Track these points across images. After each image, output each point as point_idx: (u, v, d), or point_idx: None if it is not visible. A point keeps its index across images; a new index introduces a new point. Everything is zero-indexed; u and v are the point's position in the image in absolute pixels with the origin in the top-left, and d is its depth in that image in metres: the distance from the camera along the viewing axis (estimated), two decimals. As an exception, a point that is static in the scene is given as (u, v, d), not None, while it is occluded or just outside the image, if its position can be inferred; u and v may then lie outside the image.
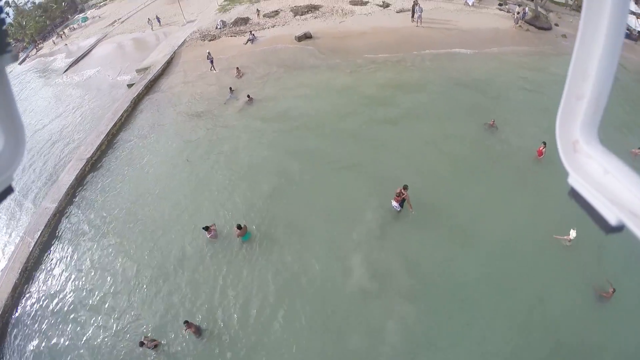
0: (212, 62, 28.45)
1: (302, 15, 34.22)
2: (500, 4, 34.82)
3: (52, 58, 54.89)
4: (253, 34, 32.25)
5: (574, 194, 0.65)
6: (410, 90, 22.33)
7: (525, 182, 15.01)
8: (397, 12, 33.53)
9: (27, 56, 67.30)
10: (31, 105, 36.94)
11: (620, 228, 0.56)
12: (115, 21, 58.17)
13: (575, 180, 0.65)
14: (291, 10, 35.46)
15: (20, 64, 62.67)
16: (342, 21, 32.56)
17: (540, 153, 15.31)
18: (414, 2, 31.29)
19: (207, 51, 28.40)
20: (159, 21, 44.30)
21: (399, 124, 19.08)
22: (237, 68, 27.40)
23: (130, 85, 31.04)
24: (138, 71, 33.20)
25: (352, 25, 31.86)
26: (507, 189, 14.81)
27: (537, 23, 30.88)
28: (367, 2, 35.75)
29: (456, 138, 17.61)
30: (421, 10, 30.01)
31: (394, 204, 13.44)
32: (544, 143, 15.21)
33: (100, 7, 78.70)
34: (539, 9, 32.69)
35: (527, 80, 22.10)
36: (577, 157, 0.67)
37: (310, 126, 19.94)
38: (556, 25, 31.49)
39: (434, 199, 14.40)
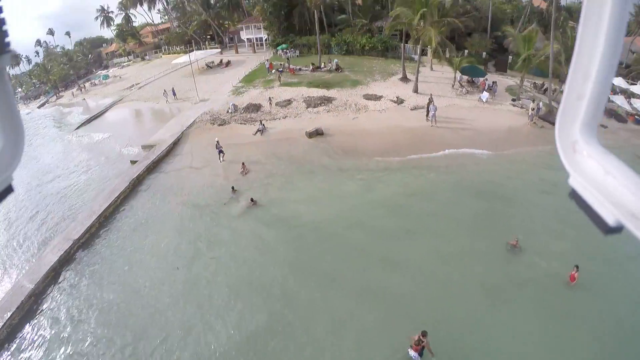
0: (220, 152, 27.10)
1: (314, 107, 33.31)
2: (513, 99, 34.20)
3: (68, 110, 56.82)
4: (263, 124, 31.19)
5: (574, 195, 0.64)
6: (424, 198, 20.73)
7: (557, 312, 12.88)
8: (411, 109, 32.45)
9: (47, 101, 69.54)
10: (38, 155, 37.13)
11: (619, 229, 0.56)
12: (133, 85, 58.98)
13: (575, 181, 0.65)
14: (304, 101, 34.63)
15: (39, 107, 65.40)
16: (355, 117, 31.50)
17: (573, 278, 13.51)
18: (428, 99, 30.18)
19: (216, 139, 27.19)
20: (174, 94, 44.02)
21: (413, 239, 17.12)
22: (243, 164, 25.88)
23: (133, 162, 29.83)
24: (144, 147, 32.21)
25: (366, 122, 30.76)
26: (539, 322, 12.52)
27: (551, 118, 29.48)
28: (381, 97, 34.86)
29: (476, 258, 15.53)
30: (435, 109, 29.06)
31: (413, 353, 11.13)
32: (577, 267, 13.43)
33: (123, 66, 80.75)
34: (552, 103, 31.37)
35: (546, 182, 20.76)
36: (577, 157, 0.66)
37: (315, 237, 17.99)
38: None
39: (456, 337, 12.12)
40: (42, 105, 67.45)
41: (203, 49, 65.28)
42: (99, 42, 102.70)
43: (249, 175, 25.01)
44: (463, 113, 31.98)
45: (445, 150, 26.09)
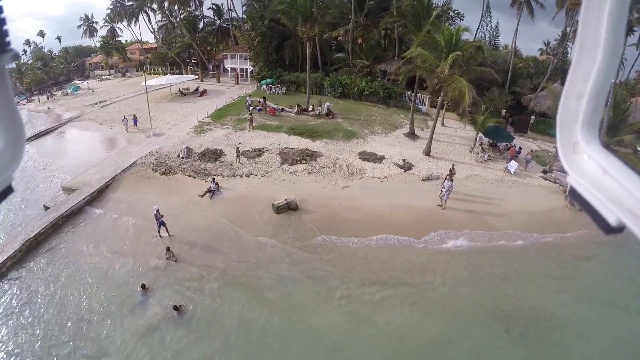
0: (161, 225, 17.56)
1: (292, 164, 23.50)
2: (544, 171, 25.48)
3: (28, 118, 48.92)
4: (216, 183, 20.98)
5: (575, 195, 0.63)
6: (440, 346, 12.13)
7: None
8: (422, 179, 22.78)
9: (17, 104, 59.53)
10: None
11: (620, 229, 0.55)
12: (98, 102, 48.92)
13: (575, 181, 0.63)
14: (280, 154, 24.75)
15: None
16: (346, 186, 21.71)
17: None
18: (450, 170, 20.75)
19: (156, 208, 17.41)
20: (135, 122, 33.96)
21: None
22: (168, 249, 15.86)
23: (46, 208, 20.83)
24: (64, 190, 23.03)
25: (360, 195, 21.06)
26: None
27: None
28: (383, 157, 25.21)
29: None
30: (450, 187, 19.96)
31: None
32: None
33: (102, 79, 71.85)
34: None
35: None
36: (577, 158, 0.64)
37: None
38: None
39: None
40: None
41: (184, 74, 56.03)
42: (88, 51, 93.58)
43: (175, 266, 14.82)
44: (489, 189, 22.87)
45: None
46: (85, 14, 77.27)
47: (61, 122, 42.40)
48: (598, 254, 17.70)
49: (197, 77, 54.39)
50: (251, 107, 34.68)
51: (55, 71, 73.93)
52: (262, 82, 44.59)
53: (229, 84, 51.72)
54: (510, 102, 37.80)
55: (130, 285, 14.60)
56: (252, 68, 50.10)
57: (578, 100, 0.63)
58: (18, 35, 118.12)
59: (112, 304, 13.78)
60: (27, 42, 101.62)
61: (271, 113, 33.62)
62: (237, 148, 24.48)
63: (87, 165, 25.83)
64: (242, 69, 53.35)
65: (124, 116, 34.71)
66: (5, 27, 0.61)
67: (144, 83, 48.38)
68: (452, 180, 20.08)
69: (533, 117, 37.40)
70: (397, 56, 40.85)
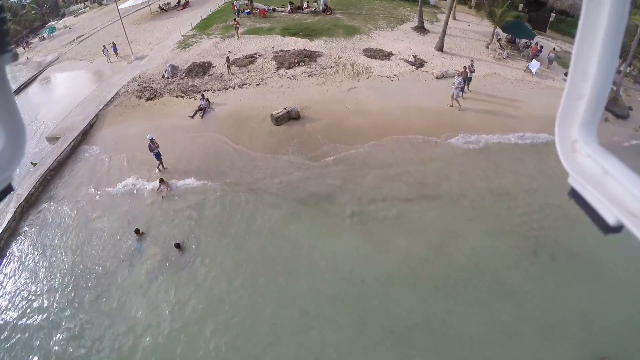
0: (158, 156, 15.03)
1: (290, 68, 20.33)
2: (567, 74, 20.69)
3: (9, 73, 42.50)
4: (206, 100, 18.31)
5: (574, 194, 0.62)
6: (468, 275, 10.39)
7: None
8: (437, 77, 19.58)
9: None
10: None
11: (619, 228, 0.54)
12: (75, 39, 44.32)
13: (574, 180, 0.63)
14: (274, 58, 21.45)
15: None
16: (352, 87, 18.74)
17: None
18: (466, 67, 17.50)
19: (149, 137, 14.86)
20: (115, 50, 30.14)
21: None
22: (161, 180, 14.16)
23: (34, 164, 17.99)
24: (49, 140, 20.02)
25: (368, 97, 18.24)
26: None
27: (616, 109, 18.82)
28: (391, 54, 21.71)
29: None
30: (460, 86, 17.32)
31: None
32: None
33: (78, 14, 65.36)
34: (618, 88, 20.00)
35: None
36: (576, 157, 0.64)
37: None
38: (630, 109, 19.34)
39: None
40: None
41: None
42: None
43: (171, 198, 13.60)
44: (509, 89, 19.88)
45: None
46: None
47: (40, 69, 38.03)
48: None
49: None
50: (239, 12, 30.36)
51: (27, 18, 67.44)
52: (248, -17, 39.19)
53: (213, -7, 46.06)
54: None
55: (124, 232, 12.59)
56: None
57: (578, 100, 0.62)
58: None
59: (106, 258, 11.87)
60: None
61: (261, 15, 29.48)
62: (227, 57, 21.33)
63: (71, 107, 22.86)
64: (226, -27, 47.14)
65: (104, 46, 30.82)
66: (5, 27, 0.60)
67: (122, 5, 44.00)
68: (468, 76, 17.21)
69: (553, 15, 32.14)
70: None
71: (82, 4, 71.06)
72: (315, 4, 29.70)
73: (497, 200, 12.65)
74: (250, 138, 16.04)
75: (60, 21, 63.24)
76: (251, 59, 22.08)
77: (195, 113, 18.43)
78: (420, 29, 26.43)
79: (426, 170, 13.86)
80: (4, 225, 13.88)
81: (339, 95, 18.30)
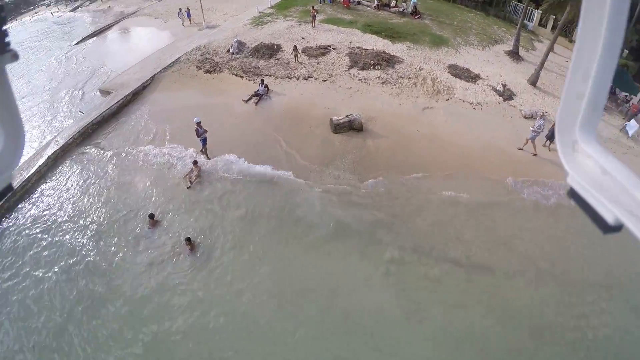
0: (204, 142, 13.46)
1: (363, 69, 17.87)
2: None
3: (90, 19, 43.77)
4: (265, 85, 16.33)
5: (573, 194, 0.62)
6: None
7: None
8: (525, 116, 16.51)
9: (81, 5, 56.75)
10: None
11: (618, 228, 0.54)
12: None
13: (574, 180, 0.63)
14: (349, 54, 19.16)
15: (71, 10, 53.82)
16: (428, 107, 16.25)
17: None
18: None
19: (197, 120, 13.13)
20: (188, 15, 29.21)
21: None
22: (195, 162, 12.72)
23: (81, 113, 17.69)
24: (102, 92, 19.38)
25: (445, 121, 15.83)
26: None
27: None
28: (478, 77, 18.70)
29: None
30: (540, 130, 14.26)
31: None
32: None
33: None
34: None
35: None
36: (576, 157, 0.64)
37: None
38: None
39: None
40: (75, 8, 54.81)
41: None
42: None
43: (198, 188, 12.04)
44: None
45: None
46: None
47: (116, 20, 37.51)
48: None
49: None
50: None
51: None
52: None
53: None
54: (635, 43, 27.76)
55: (140, 208, 11.01)
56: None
57: (578, 100, 0.62)
58: None
59: (114, 235, 10.31)
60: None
61: (345, 5, 27.11)
62: (295, 47, 19.24)
63: (132, 63, 21.87)
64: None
65: (180, 9, 29.54)
66: (5, 27, 0.60)
67: None
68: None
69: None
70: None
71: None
72: (404, 4, 26.93)
73: (558, 288, 9.75)
74: (302, 142, 13.94)
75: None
76: (324, 50, 19.86)
77: (250, 98, 16.57)
78: (514, 54, 23.14)
79: (484, 226, 11.14)
80: (34, 168, 13.33)
81: (412, 113, 15.73)
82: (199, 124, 13.00)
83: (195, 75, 19.47)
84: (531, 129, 14.19)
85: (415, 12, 26.07)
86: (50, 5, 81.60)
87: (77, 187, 12.41)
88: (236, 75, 18.77)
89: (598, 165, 0.58)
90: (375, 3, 26.98)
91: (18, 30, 41.63)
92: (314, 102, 16.00)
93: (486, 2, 30.85)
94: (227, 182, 12.21)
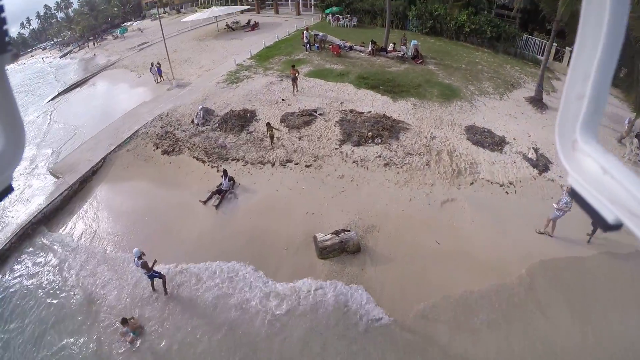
0: (152, 277, 9.49)
1: (358, 144, 13.64)
2: None
3: (74, 66, 44.08)
4: (231, 179, 11.97)
5: (573, 194, 0.61)
6: None
7: None
8: (567, 191, 11.07)
9: (71, 51, 58.19)
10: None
11: (618, 227, 0.54)
12: (137, 46, 41.28)
13: (574, 180, 0.62)
14: (340, 122, 15.32)
15: (60, 57, 55.39)
16: (448, 199, 11.89)
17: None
18: None
19: (136, 253, 9.17)
20: (159, 72, 25.27)
21: None
22: (125, 322, 8.28)
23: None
24: (52, 173, 16.21)
25: (471, 222, 11.38)
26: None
27: None
28: (504, 141, 14.38)
29: None
30: (566, 208, 10.29)
31: None
32: None
33: (155, 19, 63.54)
34: None
35: None
36: (576, 156, 0.63)
37: None
38: None
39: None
40: (65, 55, 56.40)
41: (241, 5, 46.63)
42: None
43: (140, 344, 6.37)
44: None
45: None
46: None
47: (93, 73, 35.55)
48: None
49: (247, 8, 44.37)
50: (309, 45, 24.27)
51: (105, 13, 67.16)
52: (326, 11, 33.37)
53: (289, 15, 40.92)
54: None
55: None
56: (315, -6, 38.65)
57: (578, 100, 0.61)
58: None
59: None
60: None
61: (335, 53, 23.06)
62: (268, 125, 14.53)
63: (92, 130, 19.01)
64: (304, -4, 42.08)
65: (152, 63, 25.88)
66: (5, 27, 0.58)
67: (184, 19, 40.42)
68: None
69: None
70: (511, -20, 27.83)
71: (163, 9, 69.68)
72: (403, 47, 22.87)
73: None
74: (276, 272, 9.41)
75: (135, 23, 61.99)
76: (308, 117, 15.59)
77: (211, 197, 12.28)
78: (538, 102, 18.80)
79: None
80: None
81: (427, 212, 11.25)
82: (139, 257, 8.85)
83: (152, 157, 15.51)
84: (555, 206, 10.15)
85: (416, 56, 22.00)
86: (46, 49, 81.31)
87: None
88: (197, 160, 14.61)
89: (598, 164, 0.57)
90: (370, 48, 22.94)
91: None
92: (292, 204, 11.60)
93: (494, 38, 26.79)
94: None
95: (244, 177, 13.12)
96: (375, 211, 11.20)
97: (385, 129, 14.40)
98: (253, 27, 35.20)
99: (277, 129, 14.67)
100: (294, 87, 18.07)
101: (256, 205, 11.98)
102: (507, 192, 12.43)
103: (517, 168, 13.57)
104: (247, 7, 45.95)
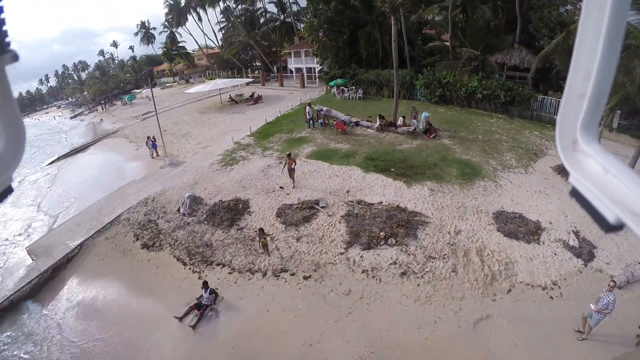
0: None
1: (369, 247, 10.99)
2: None
3: (81, 129, 45.64)
4: (213, 293, 9.76)
5: (574, 194, 0.61)
6: None
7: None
8: (619, 286, 9.94)
9: (82, 113, 60.61)
10: None
11: (619, 227, 0.54)
12: (140, 115, 42.34)
13: (575, 180, 0.62)
14: (346, 217, 13.23)
15: (71, 118, 58.36)
16: (481, 317, 9.45)
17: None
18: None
19: None
20: (154, 147, 24.19)
21: None
22: None
23: None
24: (30, 254, 14.76)
25: (512, 347, 8.43)
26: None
27: None
28: (539, 227, 12.22)
29: None
30: (608, 308, 7.88)
31: None
32: None
33: (165, 87, 66.04)
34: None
35: None
36: (577, 157, 0.63)
37: None
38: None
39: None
40: (75, 116, 59.68)
41: (245, 77, 47.22)
42: (158, 59, 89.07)
43: None
44: None
45: None
46: (141, 20, 70.71)
47: (94, 139, 36.22)
48: None
49: (251, 80, 44.88)
50: (312, 122, 22.90)
51: (117, 79, 69.61)
52: (330, 83, 32.69)
53: (294, 88, 40.82)
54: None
55: None
56: (319, 66, 38.37)
57: (579, 100, 0.61)
58: (106, 49, 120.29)
59: None
60: (101, 53, 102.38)
61: (339, 130, 21.52)
62: (260, 230, 12.20)
63: (81, 205, 18.52)
64: (308, 69, 42.13)
65: (147, 137, 24.97)
66: (5, 28, 0.59)
67: (187, 90, 40.47)
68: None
69: None
70: (519, 42, 26.83)
71: (172, 78, 71.88)
72: (413, 120, 21.32)
73: None
74: None
75: (144, 91, 63.29)
76: (308, 211, 13.48)
77: (188, 312, 9.99)
78: (566, 170, 16.28)
79: None
80: None
81: (457, 337, 8.79)
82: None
83: (130, 250, 13.83)
84: (593, 307, 8.11)
85: (429, 130, 20.31)
86: (60, 107, 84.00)
87: None
88: (178, 260, 12.52)
89: (599, 164, 0.57)
90: (378, 123, 21.41)
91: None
92: (286, 331, 9.24)
93: (507, 102, 25.28)
94: None
95: (229, 289, 10.85)
96: (390, 341, 8.72)
97: (400, 226, 12.17)
98: (256, 100, 34.71)
99: (271, 236, 12.40)
100: (291, 178, 15.67)
101: (241, 329, 9.62)
102: (551, 297, 9.97)
103: (559, 261, 11.20)
104: (252, 79, 46.26)
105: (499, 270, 10.73)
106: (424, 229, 12.22)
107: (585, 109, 0.60)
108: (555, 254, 11.44)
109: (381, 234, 11.80)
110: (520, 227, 12.60)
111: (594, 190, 0.56)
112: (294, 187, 15.44)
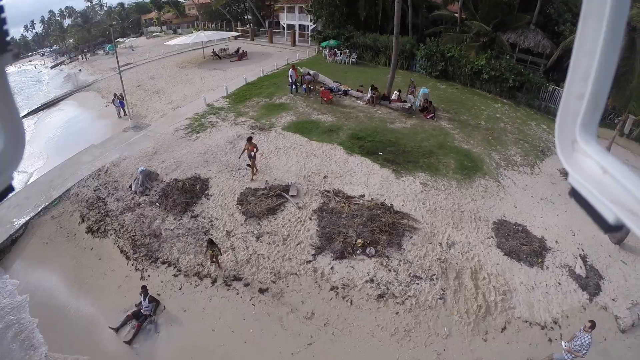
0: None
1: (342, 257, 8.98)
2: None
3: (58, 81, 42.21)
4: (154, 302, 8.22)
5: (573, 193, 0.62)
6: None
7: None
8: (622, 329, 8.99)
9: (63, 62, 56.83)
10: None
11: (618, 227, 0.54)
12: (126, 64, 37.81)
13: (574, 179, 0.62)
14: (319, 211, 11.04)
15: (52, 67, 54.70)
16: None
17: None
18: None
19: None
20: (121, 105, 21.32)
21: None
22: None
23: None
24: None
25: None
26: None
27: None
28: (544, 247, 10.33)
29: None
30: (581, 351, 6.58)
31: None
32: None
33: (152, 37, 62.02)
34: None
35: None
36: (576, 156, 0.63)
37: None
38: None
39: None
40: (56, 65, 55.48)
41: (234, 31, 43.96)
42: (148, 7, 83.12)
43: None
44: None
45: None
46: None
47: (66, 94, 32.65)
48: None
49: (239, 34, 41.49)
50: (296, 87, 20.42)
51: (100, 27, 65.22)
52: (323, 44, 29.81)
53: (283, 45, 37.72)
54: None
55: None
56: (313, 25, 35.21)
57: (578, 99, 0.61)
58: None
59: None
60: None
61: (325, 99, 19.12)
62: (209, 242, 9.66)
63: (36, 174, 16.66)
64: (301, 26, 38.91)
65: (115, 94, 22.00)
66: (5, 27, 0.58)
67: (168, 42, 37.23)
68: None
69: None
70: (535, 23, 24.33)
71: (160, 28, 67.62)
72: (410, 96, 19.03)
73: None
74: None
75: (129, 40, 59.27)
76: (275, 200, 11.50)
77: (125, 323, 8.36)
78: None
79: None
80: None
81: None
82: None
83: (74, 234, 12.08)
84: (564, 346, 7.27)
85: (426, 109, 18.15)
86: (44, 55, 79.26)
87: None
88: (122, 252, 10.59)
89: (598, 164, 0.57)
90: (370, 95, 19.06)
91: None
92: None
93: (515, 87, 23.03)
94: None
95: (172, 295, 9.03)
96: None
97: (383, 231, 10.30)
98: (240, 56, 31.84)
99: (220, 250, 9.91)
100: (252, 171, 12.84)
101: (181, 350, 7.88)
102: (550, 340, 8.44)
103: (563, 293, 9.68)
104: (241, 33, 42.87)
105: (494, 301, 9.06)
106: (411, 237, 10.38)
107: (584, 109, 0.59)
108: (559, 283, 9.86)
109: (359, 240, 9.92)
110: (523, 245, 10.90)
111: (593, 190, 0.56)
112: (253, 179, 12.81)
